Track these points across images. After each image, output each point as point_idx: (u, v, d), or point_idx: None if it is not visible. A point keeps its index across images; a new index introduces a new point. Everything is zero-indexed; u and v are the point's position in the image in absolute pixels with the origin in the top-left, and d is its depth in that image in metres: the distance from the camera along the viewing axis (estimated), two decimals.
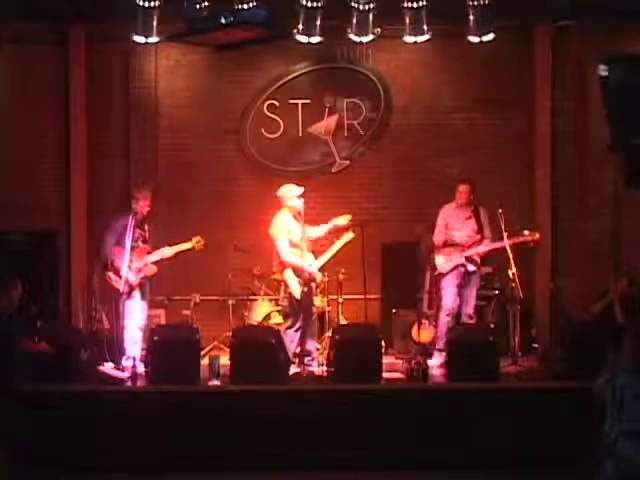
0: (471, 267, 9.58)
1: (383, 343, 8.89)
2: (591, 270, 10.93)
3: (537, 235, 9.47)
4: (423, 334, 10.26)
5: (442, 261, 9.63)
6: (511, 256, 9.26)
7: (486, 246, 9.57)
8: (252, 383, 8.42)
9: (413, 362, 8.92)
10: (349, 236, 9.52)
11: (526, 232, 9.50)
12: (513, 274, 9.23)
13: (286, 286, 9.27)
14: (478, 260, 9.62)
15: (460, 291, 9.62)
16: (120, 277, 9.15)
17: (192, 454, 8.04)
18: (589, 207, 11.32)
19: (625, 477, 5.06)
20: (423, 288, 10.66)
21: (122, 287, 9.11)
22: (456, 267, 9.58)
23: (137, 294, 9.36)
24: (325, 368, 8.98)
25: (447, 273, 9.61)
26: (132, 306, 9.31)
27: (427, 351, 9.84)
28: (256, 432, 8.08)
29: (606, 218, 11.29)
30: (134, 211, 9.37)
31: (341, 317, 10.22)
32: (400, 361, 9.78)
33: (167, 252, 9.44)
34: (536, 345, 10.28)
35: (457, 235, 9.64)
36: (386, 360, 9.11)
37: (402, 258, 11.22)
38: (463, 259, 9.55)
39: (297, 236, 9.25)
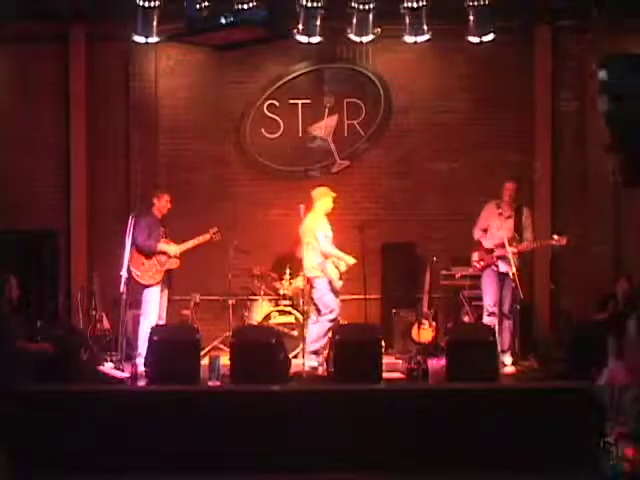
0: (503, 267, 9.47)
1: (383, 343, 8.90)
2: (591, 270, 10.95)
3: (565, 240, 9.41)
4: (423, 334, 10.28)
5: (476, 258, 9.62)
6: (511, 256, 9.25)
7: (515, 247, 9.36)
8: (252, 383, 8.42)
9: (413, 362, 8.92)
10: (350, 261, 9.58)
11: (555, 236, 9.49)
12: (513, 274, 9.22)
13: (312, 286, 9.36)
14: (512, 261, 9.27)
15: (497, 292, 9.58)
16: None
17: (192, 454, 8.04)
18: (589, 206, 11.32)
19: (624, 477, 5.07)
20: (423, 288, 10.67)
21: (122, 287, 9.17)
22: (488, 266, 9.55)
23: (157, 290, 9.48)
24: (325, 368, 9.00)
25: (481, 273, 9.58)
26: (149, 303, 9.44)
27: (427, 351, 9.85)
28: (256, 432, 8.08)
29: (606, 218, 11.28)
30: (156, 211, 9.61)
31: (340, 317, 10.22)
32: (400, 361, 9.78)
33: (191, 243, 9.65)
34: (536, 345, 10.28)
35: (494, 234, 9.57)
36: (386, 360, 9.10)
37: (402, 258, 11.22)
38: (494, 258, 9.51)
39: (330, 234, 9.47)
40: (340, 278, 9.43)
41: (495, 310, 9.51)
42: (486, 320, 9.52)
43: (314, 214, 9.48)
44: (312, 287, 9.41)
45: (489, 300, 9.57)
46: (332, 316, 9.32)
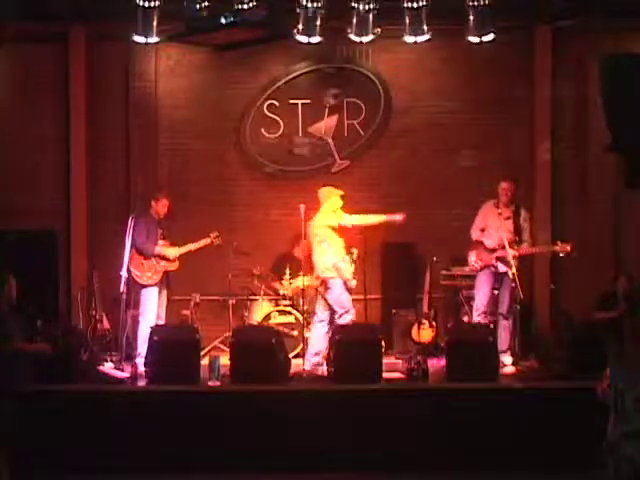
0: (502, 268, 9.44)
1: (383, 343, 8.90)
2: (591, 270, 10.94)
3: (568, 247, 9.40)
4: (423, 334, 10.28)
5: (473, 258, 9.62)
6: (511, 257, 9.25)
7: (517, 251, 9.36)
8: (252, 383, 8.43)
9: (413, 362, 8.92)
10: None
11: (559, 243, 9.51)
12: (513, 274, 9.22)
13: (327, 287, 9.33)
14: (511, 261, 9.24)
15: (493, 292, 9.58)
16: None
17: (192, 454, 8.05)
18: (589, 207, 11.33)
19: (627, 478, 5.07)
20: (423, 288, 10.67)
21: (122, 287, 9.20)
22: (487, 267, 9.54)
23: (155, 290, 9.51)
24: (325, 368, 9.00)
25: (478, 272, 9.58)
26: (147, 303, 9.45)
27: (427, 351, 9.85)
28: (256, 432, 8.09)
29: (606, 218, 11.29)
30: (153, 213, 9.66)
31: None
32: (400, 361, 9.78)
33: (192, 247, 9.68)
34: (536, 345, 10.28)
35: (493, 234, 9.54)
36: (386, 360, 9.11)
37: (402, 258, 11.22)
38: (493, 260, 9.50)
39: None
40: (354, 277, 9.41)
41: (486, 310, 9.52)
42: (476, 320, 9.54)
43: (323, 214, 9.45)
44: (327, 288, 9.35)
45: (482, 299, 9.57)
46: (350, 316, 9.31)
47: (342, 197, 9.50)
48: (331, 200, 9.45)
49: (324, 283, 9.36)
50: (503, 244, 9.29)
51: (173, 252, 9.58)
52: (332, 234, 9.38)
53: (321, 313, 9.44)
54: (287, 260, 10.75)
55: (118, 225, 10.14)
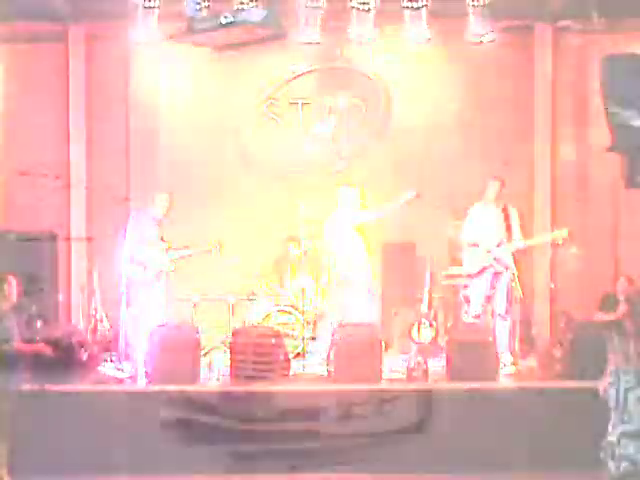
0: (499, 268, 9.48)
1: (383, 343, 8.90)
2: (591, 270, 10.94)
3: (565, 231, 9.41)
4: (423, 334, 10.27)
5: (468, 261, 9.60)
6: (510, 257, 9.24)
7: (513, 247, 9.39)
8: (252, 383, 8.42)
9: (413, 362, 8.92)
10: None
11: (555, 230, 9.51)
12: (513, 274, 9.22)
13: (346, 291, 9.44)
14: (506, 261, 9.32)
15: (491, 292, 9.58)
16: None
17: (191, 454, 8.05)
18: (589, 207, 11.33)
19: (627, 477, 5.08)
20: (423, 288, 10.67)
21: (122, 286, 9.20)
22: (484, 269, 9.53)
23: (153, 290, 9.53)
24: (325, 368, 9.00)
25: (475, 276, 9.57)
26: (147, 303, 9.49)
27: (427, 351, 9.85)
28: (256, 432, 8.09)
29: (606, 218, 11.29)
30: (153, 212, 9.67)
31: None
32: (400, 361, 9.78)
33: (191, 252, 9.73)
34: (536, 345, 10.28)
35: (485, 234, 9.54)
36: (386, 360, 9.11)
37: (402, 258, 11.22)
38: (491, 260, 9.49)
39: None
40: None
41: (482, 312, 9.51)
42: (472, 321, 9.55)
43: (344, 213, 9.50)
44: (346, 292, 9.42)
45: (481, 301, 9.57)
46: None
47: (359, 194, 9.55)
48: (351, 199, 9.48)
49: (344, 285, 9.35)
50: (500, 243, 9.30)
51: (159, 260, 9.55)
52: (354, 234, 9.39)
53: (332, 316, 9.45)
54: (287, 260, 10.75)
55: (118, 225, 10.13)
